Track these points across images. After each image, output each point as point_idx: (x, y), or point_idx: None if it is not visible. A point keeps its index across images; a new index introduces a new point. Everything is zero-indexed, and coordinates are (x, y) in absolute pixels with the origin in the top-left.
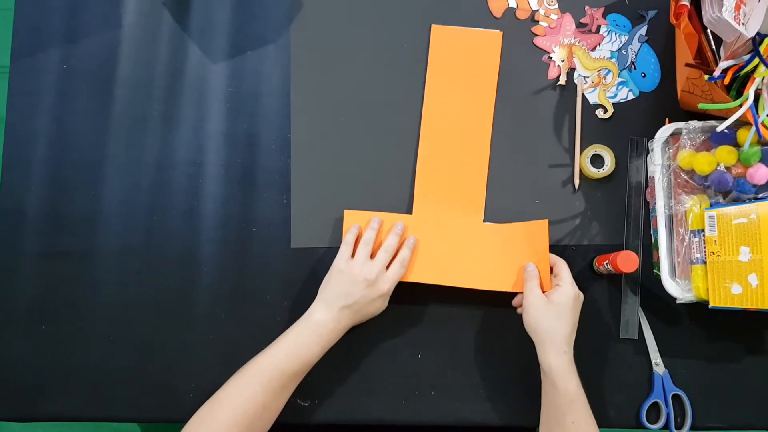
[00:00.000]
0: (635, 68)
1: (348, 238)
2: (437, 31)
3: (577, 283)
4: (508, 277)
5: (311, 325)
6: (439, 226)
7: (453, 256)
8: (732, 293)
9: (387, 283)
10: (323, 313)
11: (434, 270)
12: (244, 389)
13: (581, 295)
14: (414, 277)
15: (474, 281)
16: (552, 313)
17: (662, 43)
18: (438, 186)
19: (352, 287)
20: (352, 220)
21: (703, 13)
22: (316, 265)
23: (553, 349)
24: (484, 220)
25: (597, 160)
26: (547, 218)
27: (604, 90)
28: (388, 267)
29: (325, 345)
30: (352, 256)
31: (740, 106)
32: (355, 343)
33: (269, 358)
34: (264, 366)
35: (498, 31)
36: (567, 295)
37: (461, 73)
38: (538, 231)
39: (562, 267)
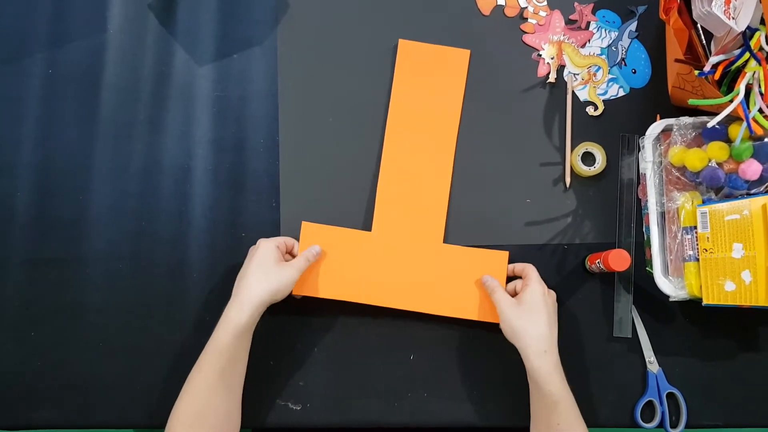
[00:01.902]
0: (625, 65)
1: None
2: (404, 46)
3: (569, 282)
4: (467, 304)
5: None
6: (399, 244)
7: (411, 277)
8: (725, 290)
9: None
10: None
11: (393, 293)
12: (187, 388)
13: (553, 294)
14: (372, 300)
15: (432, 306)
16: (524, 313)
17: (652, 38)
18: (398, 204)
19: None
20: (309, 231)
21: (692, 7)
22: None
23: (533, 350)
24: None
25: (588, 158)
26: (540, 218)
27: (595, 87)
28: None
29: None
30: None
31: (731, 101)
32: (347, 345)
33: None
34: (201, 362)
35: (466, 49)
36: (535, 292)
37: (427, 90)
38: (498, 262)
39: (530, 270)
